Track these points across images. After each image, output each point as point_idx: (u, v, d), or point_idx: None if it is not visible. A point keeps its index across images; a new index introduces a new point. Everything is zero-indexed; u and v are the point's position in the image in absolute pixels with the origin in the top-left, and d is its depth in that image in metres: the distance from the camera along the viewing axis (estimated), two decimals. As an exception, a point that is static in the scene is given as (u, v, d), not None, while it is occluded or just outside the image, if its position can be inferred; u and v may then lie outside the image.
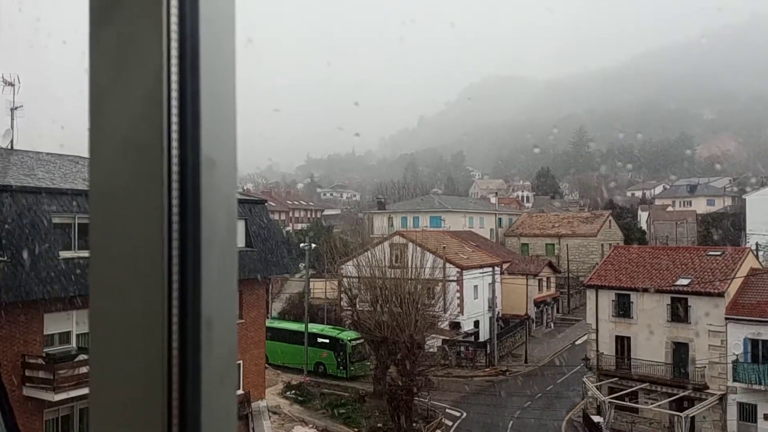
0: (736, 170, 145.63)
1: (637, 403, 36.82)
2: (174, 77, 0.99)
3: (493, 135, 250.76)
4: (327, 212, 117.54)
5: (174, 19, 0.99)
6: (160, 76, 0.98)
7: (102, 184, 1.02)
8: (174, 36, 0.99)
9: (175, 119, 0.99)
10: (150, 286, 0.97)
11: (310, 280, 50.44)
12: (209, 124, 1.03)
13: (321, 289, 52.61)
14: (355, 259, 43.88)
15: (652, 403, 35.82)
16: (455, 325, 49.78)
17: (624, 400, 36.49)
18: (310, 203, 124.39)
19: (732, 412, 34.43)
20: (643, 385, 37.18)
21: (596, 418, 36.19)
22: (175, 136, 0.99)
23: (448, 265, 49.47)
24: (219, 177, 1.05)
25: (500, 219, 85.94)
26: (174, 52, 0.99)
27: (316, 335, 44.49)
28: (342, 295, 46.75)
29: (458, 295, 51.21)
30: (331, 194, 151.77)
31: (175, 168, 0.98)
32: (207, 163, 1.02)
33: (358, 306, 40.30)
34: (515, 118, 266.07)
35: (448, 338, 47.78)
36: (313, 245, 50.06)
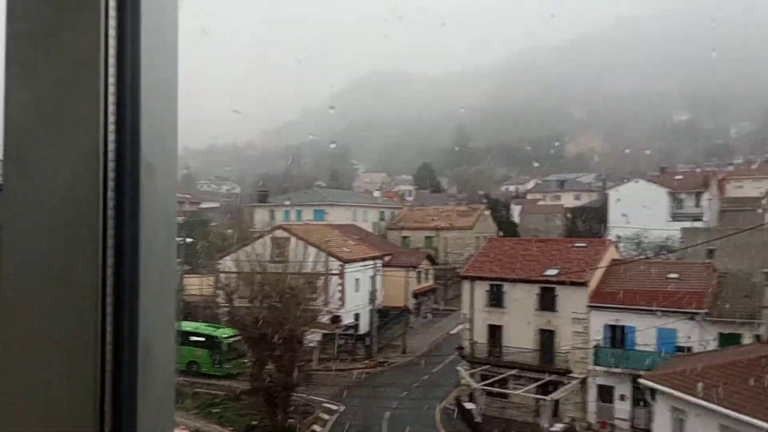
0: (602, 167, 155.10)
1: (507, 389, 38.53)
2: (111, 79, 0.89)
3: (377, 129, 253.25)
4: (204, 205, 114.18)
5: (112, 12, 0.89)
6: (96, 76, 0.87)
7: (26, 192, 0.88)
8: (112, 33, 0.90)
9: (112, 118, 0.89)
10: (81, 308, 0.84)
11: (184, 276, 48.88)
12: (149, 127, 0.93)
13: (196, 285, 51.14)
14: (234, 254, 43.00)
15: (520, 389, 37.55)
16: (336, 319, 49.94)
17: (495, 387, 38.04)
18: (186, 195, 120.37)
19: (592, 394, 36.79)
20: (512, 372, 38.90)
21: (469, 405, 37.52)
22: (112, 138, 0.89)
23: (330, 258, 49.53)
24: (159, 184, 0.95)
25: (383, 212, 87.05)
26: (112, 51, 0.89)
27: (188, 333, 43.17)
28: (218, 291, 45.66)
29: (340, 288, 51.38)
30: (210, 186, 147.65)
31: (111, 174, 0.88)
32: (146, 170, 0.93)
33: (235, 302, 39.49)
34: (399, 113, 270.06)
35: (328, 332, 47.87)
36: (188, 240, 48.52)
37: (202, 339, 43.08)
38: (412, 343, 52.58)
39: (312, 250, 44.68)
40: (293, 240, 46.12)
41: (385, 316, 55.38)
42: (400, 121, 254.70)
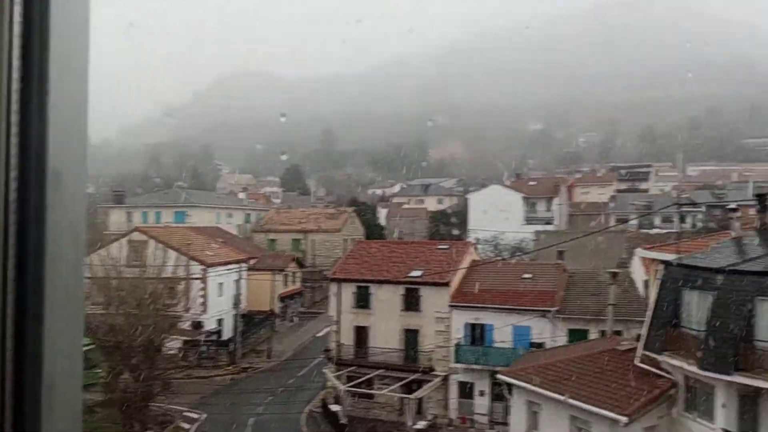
0: (463, 172, 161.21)
1: (372, 389, 38.97)
2: (15, 84, 0.80)
3: (242, 130, 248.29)
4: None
5: (18, 9, 0.81)
6: None
7: None
8: (17, 31, 0.81)
9: (15, 119, 0.80)
10: None
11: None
12: (57, 132, 0.84)
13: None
14: (86, 258, 40.34)
15: (385, 388, 38.09)
16: (197, 325, 48.30)
17: (361, 388, 38.34)
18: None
19: (453, 391, 38.04)
20: (378, 372, 39.39)
21: (334, 407, 37.56)
22: (14, 141, 0.79)
23: (192, 262, 47.80)
24: (66, 193, 0.85)
25: (248, 215, 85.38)
26: (16, 52, 0.81)
27: None
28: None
29: (202, 293, 49.79)
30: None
31: (13, 185, 0.78)
32: (53, 177, 0.83)
33: (89, 309, 37.05)
34: (265, 113, 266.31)
35: (189, 338, 46.18)
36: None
37: None
38: (278, 347, 51.89)
39: (172, 254, 42.89)
40: (152, 243, 44.09)
41: (250, 321, 54.26)
42: (268, 122, 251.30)
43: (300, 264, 67.65)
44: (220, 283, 52.00)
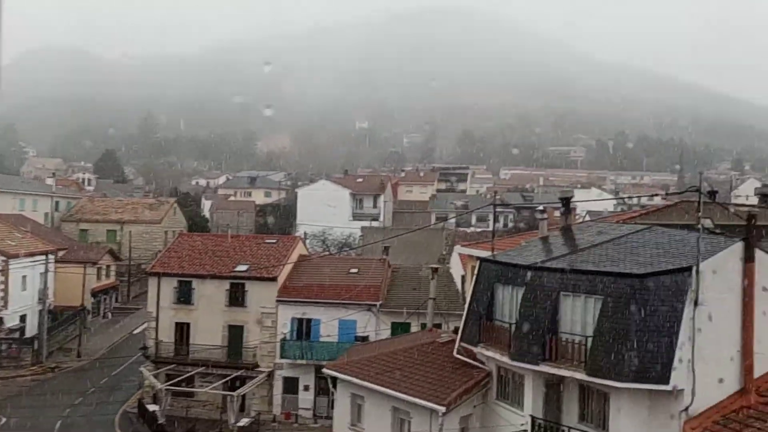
0: (291, 166, 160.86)
1: (193, 387, 37.73)
2: None
3: (51, 109, 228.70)
4: None
5: None
6: None
7: None
8: None
9: None
10: None
11: None
12: None
13: None
14: None
15: (207, 386, 37.07)
16: (-4, 321, 44.02)
17: (181, 386, 36.99)
18: None
19: (278, 387, 37.90)
20: (199, 370, 38.21)
21: (152, 407, 35.99)
22: None
23: (-10, 253, 43.40)
24: None
25: (57, 202, 78.76)
26: None
27: None
28: None
29: (2, 287, 45.59)
30: None
31: None
32: None
33: None
34: (77, 93, 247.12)
35: (-14, 336, 41.95)
36: None
37: None
38: (90, 345, 48.71)
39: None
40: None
41: (59, 317, 50.37)
42: (81, 104, 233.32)
43: (115, 257, 63.92)
44: (24, 276, 47.86)
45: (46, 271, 48.81)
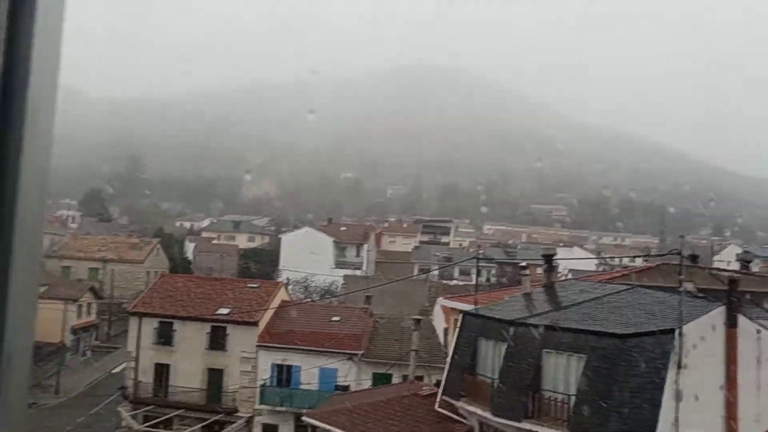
0: (276, 212, 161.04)
1: (171, 430, 37.33)
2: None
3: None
4: None
5: None
6: None
7: None
8: None
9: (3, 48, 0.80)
10: None
11: None
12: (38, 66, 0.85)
13: None
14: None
15: (185, 429, 36.71)
16: (-28, 355, 43.32)
17: (159, 428, 36.60)
18: None
19: (258, 433, 37.64)
20: (178, 412, 37.91)
21: (129, 449, 35.55)
22: None
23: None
24: (39, 131, 0.84)
25: (39, 238, 78.31)
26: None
27: None
28: None
29: (-21, 320, 44.77)
30: None
31: None
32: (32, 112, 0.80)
33: None
34: (62, 130, 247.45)
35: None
36: None
37: None
38: (68, 382, 48.05)
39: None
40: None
41: (37, 353, 49.63)
42: (68, 142, 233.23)
43: (97, 294, 63.43)
44: (3, 311, 47.17)
45: (27, 306, 48.26)
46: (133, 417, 37.49)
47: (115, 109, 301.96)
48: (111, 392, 43.95)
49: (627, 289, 22.56)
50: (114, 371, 51.26)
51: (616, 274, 32.28)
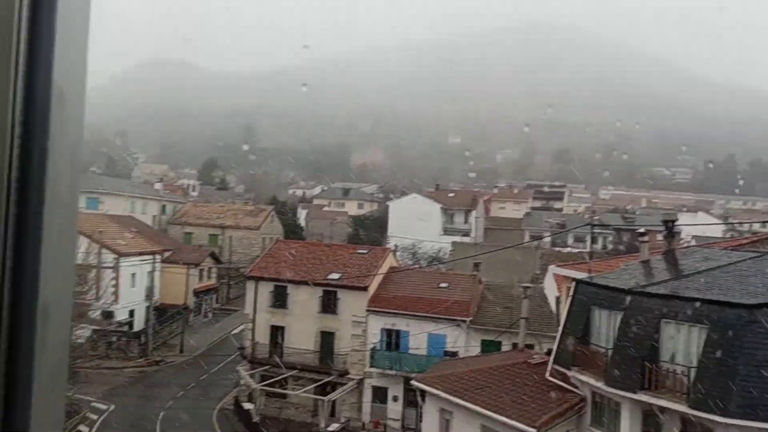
0: (383, 179, 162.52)
1: (286, 389, 38.89)
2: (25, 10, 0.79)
3: (160, 118, 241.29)
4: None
5: None
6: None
7: None
8: None
9: (24, 36, 0.79)
10: None
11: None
12: (63, 52, 0.83)
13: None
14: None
15: (299, 389, 38.08)
16: (108, 315, 46.85)
17: (275, 387, 38.20)
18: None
19: (368, 395, 38.46)
20: (292, 372, 39.32)
21: (247, 406, 37.28)
22: (22, 60, 0.78)
23: (104, 250, 46.36)
24: (68, 114, 0.85)
25: (164, 206, 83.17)
26: None
27: None
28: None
29: (114, 282, 48.40)
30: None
31: (20, 94, 0.77)
32: (57, 98, 0.81)
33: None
34: (185, 103, 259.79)
35: (99, 328, 44.70)
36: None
37: None
38: (191, 342, 50.98)
39: (83, 240, 41.54)
40: (62, 228, 42.43)
41: (163, 314, 53.06)
42: (188, 114, 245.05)
43: (216, 259, 66.62)
44: (133, 274, 50.66)
45: (153, 270, 51.50)
46: (251, 376, 39.28)
47: (232, 83, 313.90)
48: (231, 352, 46.28)
49: (756, 257, 21.02)
50: (233, 332, 53.88)
51: (744, 241, 30.22)
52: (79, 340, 38.07)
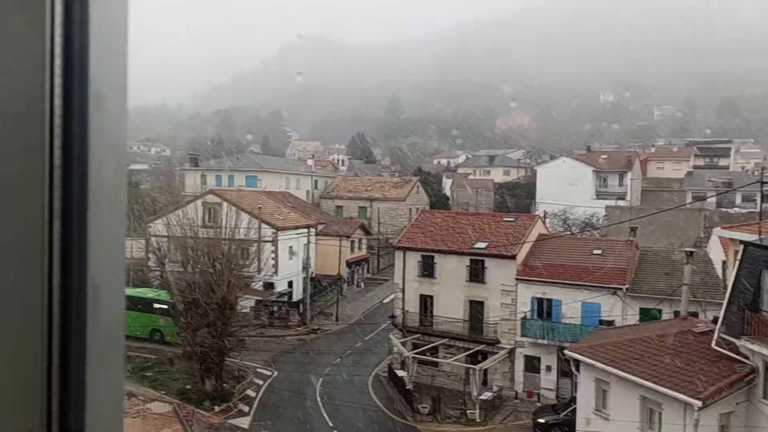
0: (530, 143, 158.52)
1: (437, 357, 39.45)
2: (59, 7, 0.80)
3: (310, 96, 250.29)
4: (133, 167, 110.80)
5: None
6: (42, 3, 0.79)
7: None
8: None
9: (59, 41, 0.80)
10: (27, 245, 0.78)
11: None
12: (99, 53, 0.85)
13: (126, 248, 49.69)
14: (165, 218, 41.96)
15: (450, 357, 38.48)
16: (269, 286, 49.78)
17: (426, 355, 38.87)
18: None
19: (519, 364, 38.11)
20: (443, 341, 39.80)
21: (400, 373, 38.22)
22: (58, 63, 0.80)
23: (263, 225, 49.14)
24: (108, 115, 0.89)
25: (316, 181, 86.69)
26: None
27: (152, 300, 41.64)
28: (149, 255, 44.59)
29: (273, 255, 51.13)
30: (138, 147, 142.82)
31: (57, 102, 0.80)
32: (95, 99, 0.85)
33: (167, 266, 38.66)
34: (332, 80, 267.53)
35: (261, 298, 47.69)
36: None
37: (164, 306, 40.73)
38: (345, 311, 53.05)
39: (244, 216, 44.19)
40: (225, 205, 45.40)
41: (319, 285, 55.53)
42: (334, 90, 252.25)
43: (366, 231, 68.48)
44: (290, 247, 53.22)
45: (308, 242, 53.89)
46: (403, 344, 40.20)
47: (374, 55, 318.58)
48: (383, 320, 47.61)
49: None
50: (384, 301, 55.35)
51: None
52: (243, 310, 40.85)
